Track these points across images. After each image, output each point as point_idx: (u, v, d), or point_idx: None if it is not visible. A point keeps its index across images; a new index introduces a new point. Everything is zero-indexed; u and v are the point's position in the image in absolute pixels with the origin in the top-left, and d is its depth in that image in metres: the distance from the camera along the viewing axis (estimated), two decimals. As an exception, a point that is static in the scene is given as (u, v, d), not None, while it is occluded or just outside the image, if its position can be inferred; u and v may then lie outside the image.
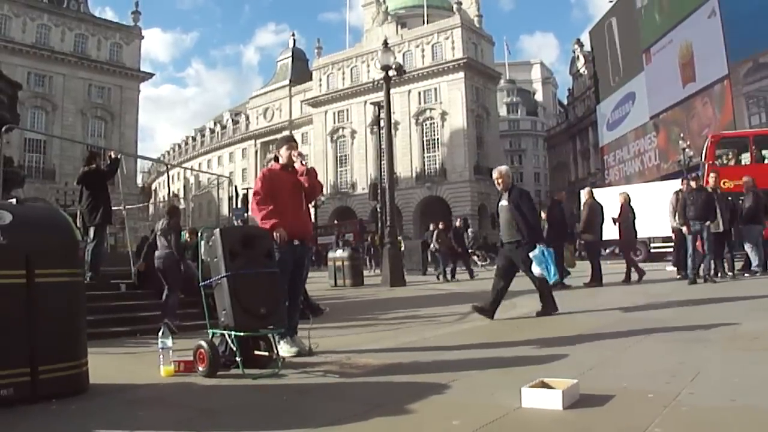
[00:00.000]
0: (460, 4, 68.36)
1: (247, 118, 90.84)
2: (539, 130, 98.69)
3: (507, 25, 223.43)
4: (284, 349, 5.56)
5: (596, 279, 13.02)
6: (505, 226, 8.20)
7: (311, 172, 6.07)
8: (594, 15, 58.79)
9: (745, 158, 22.79)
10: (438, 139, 67.24)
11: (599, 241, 13.70)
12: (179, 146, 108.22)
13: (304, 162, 6.05)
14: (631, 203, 13.93)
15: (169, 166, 33.23)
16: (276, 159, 6.20)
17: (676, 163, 42.93)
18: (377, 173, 39.52)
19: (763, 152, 22.86)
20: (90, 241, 9.42)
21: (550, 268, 7.72)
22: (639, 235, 14.97)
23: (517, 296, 11.25)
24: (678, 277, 13.25)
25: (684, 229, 12.14)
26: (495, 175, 8.47)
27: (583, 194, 13.98)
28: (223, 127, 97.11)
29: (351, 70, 74.44)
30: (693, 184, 12.33)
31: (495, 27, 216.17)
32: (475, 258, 22.30)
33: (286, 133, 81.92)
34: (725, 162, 23.48)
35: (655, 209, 18.42)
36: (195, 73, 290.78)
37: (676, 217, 12.88)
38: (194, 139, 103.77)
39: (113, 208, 10.32)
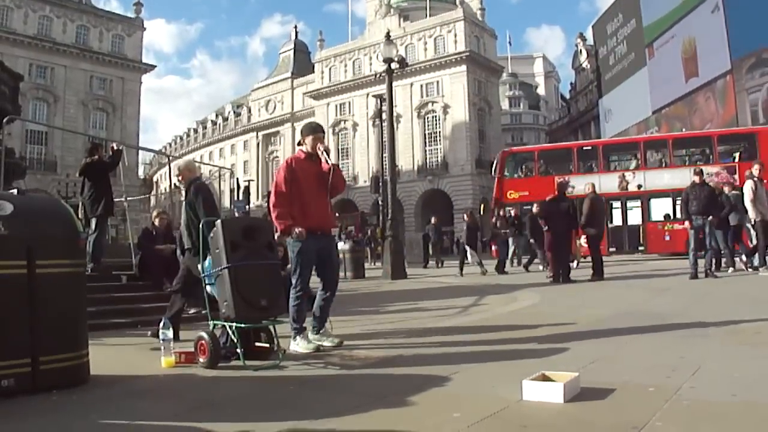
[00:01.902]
0: (462, -4, 68.27)
1: (249, 110, 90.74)
2: (541, 123, 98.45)
3: (513, 17, 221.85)
4: (299, 346, 5.58)
5: (597, 273, 13.05)
6: (183, 228, 6.62)
7: (336, 171, 5.85)
8: (601, 8, 58.93)
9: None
10: (440, 132, 67.13)
11: (601, 235, 13.68)
12: (181, 138, 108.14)
13: (328, 161, 5.80)
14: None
15: (170, 158, 33.18)
16: (300, 144, 6.00)
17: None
18: (379, 166, 39.47)
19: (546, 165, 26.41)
20: (91, 232, 9.44)
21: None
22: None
23: (518, 290, 11.28)
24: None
25: (686, 224, 12.13)
26: (175, 171, 7.26)
27: (586, 188, 13.99)
28: (225, 119, 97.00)
29: (353, 62, 74.30)
30: (696, 179, 12.29)
31: (501, 19, 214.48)
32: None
33: (288, 125, 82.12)
34: (520, 174, 26.48)
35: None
36: (200, 64, 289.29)
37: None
38: (196, 131, 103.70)
39: (115, 199, 10.34)
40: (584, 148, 28.21)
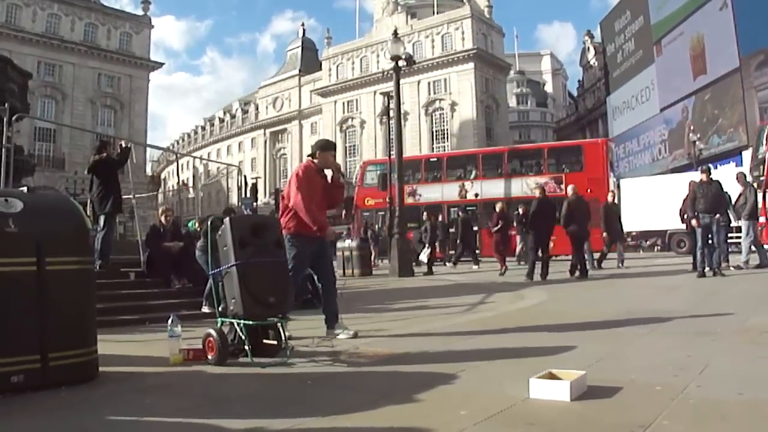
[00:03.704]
0: (470, -6, 68.15)
1: (257, 107, 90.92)
2: (549, 121, 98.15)
3: (525, 13, 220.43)
4: (338, 336, 6.03)
5: (582, 272, 13.55)
6: None
7: (342, 187, 6.63)
8: (612, 5, 58.48)
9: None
10: (447, 129, 67.14)
11: (583, 234, 14.11)
12: (189, 135, 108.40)
13: (340, 178, 6.52)
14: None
15: (178, 155, 33.26)
16: (312, 156, 6.40)
17: (686, 156, 42.78)
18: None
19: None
20: (100, 229, 9.47)
21: None
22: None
23: (525, 288, 11.28)
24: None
25: (693, 222, 12.11)
26: None
27: (569, 189, 14.66)
28: (233, 117, 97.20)
29: (361, 60, 74.35)
30: (703, 177, 12.28)
31: (512, 16, 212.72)
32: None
33: (295, 122, 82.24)
34: (377, 183, 28.93)
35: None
36: (210, 61, 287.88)
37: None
38: (204, 128, 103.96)
39: (123, 196, 10.37)
40: (431, 159, 31.84)
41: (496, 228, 16.74)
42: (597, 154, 26.13)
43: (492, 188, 26.05)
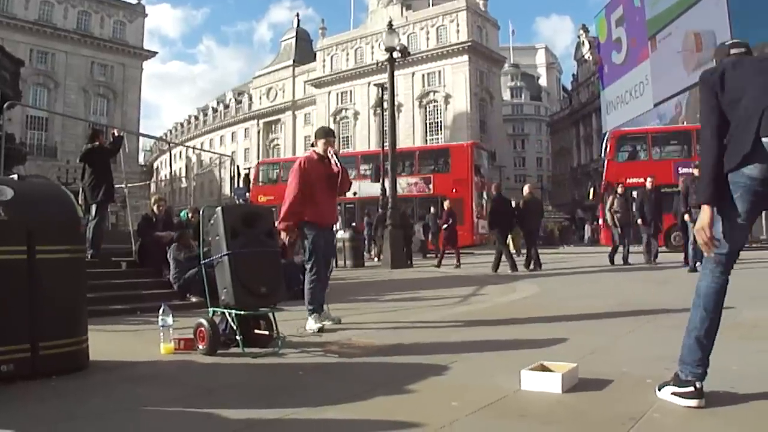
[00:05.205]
0: (465, -14, 68.00)
1: (250, 97, 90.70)
2: (543, 114, 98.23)
3: (522, 6, 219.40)
4: (312, 324, 6.01)
5: (536, 264, 14.28)
6: None
7: (343, 173, 6.41)
8: (612, -2, 58.10)
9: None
10: (441, 122, 67.07)
11: (536, 231, 15.63)
12: (182, 125, 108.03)
13: (337, 164, 6.33)
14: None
15: (171, 145, 33.16)
16: (313, 145, 6.51)
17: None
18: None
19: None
20: (91, 218, 9.44)
21: None
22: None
23: (517, 281, 11.30)
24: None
25: (686, 216, 12.13)
26: None
27: (525, 189, 15.65)
28: (226, 107, 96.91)
29: (355, 51, 74.17)
30: (696, 172, 12.29)
31: (509, 8, 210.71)
32: None
33: (289, 113, 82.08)
34: (269, 182, 32.70)
35: None
36: (206, 49, 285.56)
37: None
38: (197, 118, 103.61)
39: (115, 186, 10.33)
40: None
41: (444, 225, 17.42)
42: (463, 157, 28.77)
43: (369, 188, 27.70)
